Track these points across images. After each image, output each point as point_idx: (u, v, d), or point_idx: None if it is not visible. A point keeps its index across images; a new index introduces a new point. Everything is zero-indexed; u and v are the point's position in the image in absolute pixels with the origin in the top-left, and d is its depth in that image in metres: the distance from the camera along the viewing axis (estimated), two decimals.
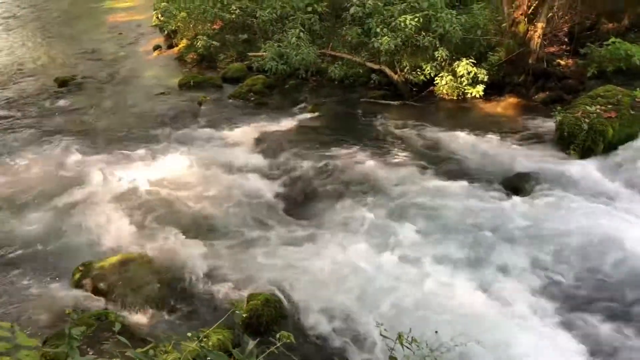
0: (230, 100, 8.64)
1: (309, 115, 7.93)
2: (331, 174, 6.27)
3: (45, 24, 14.57)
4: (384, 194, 5.69)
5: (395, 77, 8.34)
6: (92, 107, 8.61)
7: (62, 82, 9.55)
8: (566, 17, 8.89)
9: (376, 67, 8.57)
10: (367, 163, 6.40)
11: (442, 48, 8.01)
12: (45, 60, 11.28)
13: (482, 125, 7.13)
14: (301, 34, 8.82)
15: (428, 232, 5.01)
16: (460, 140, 6.80)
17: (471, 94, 7.89)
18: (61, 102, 8.80)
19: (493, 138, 6.75)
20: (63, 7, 16.60)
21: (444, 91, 8.10)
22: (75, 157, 6.84)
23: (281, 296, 4.23)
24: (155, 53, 11.27)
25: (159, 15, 11.80)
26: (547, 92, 7.67)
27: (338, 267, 4.54)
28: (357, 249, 4.78)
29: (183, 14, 10.59)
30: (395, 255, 4.67)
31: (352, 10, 8.64)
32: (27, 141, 7.41)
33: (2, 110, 8.52)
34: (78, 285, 4.53)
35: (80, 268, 4.65)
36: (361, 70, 8.75)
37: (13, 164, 6.78)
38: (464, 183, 5.77)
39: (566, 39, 8.77)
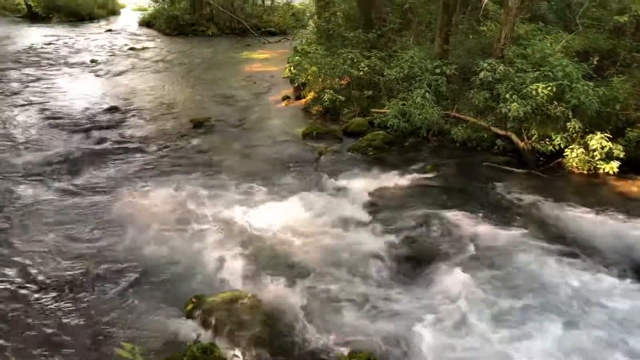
0: (350, 153, 8.78)
1: (427, 174, 7.85)
2: (443, 237, 6.13)
3: (189, 68, 15.86)
4: (497, 266, 5.46)
5: (522, 144, 8.07)
6: (221, 148, 9.13)
7: (197, 123, 10.27)
8: None
9: (502, 132, 8.37)
10: (483, 230, 6.20)
11: (574, 119, 7.68)
12: (184, 101, 12.21)
13: (614, 205, 6.67)
14: (427, 94, 8.87)
15: (535, 307, 4.77)
16: (588, 219, 6.40)
17: (604, 169, 7.43)
18: (194, 141, 9.43)
19: (626, 220, 6.26)
20: (206, 55, 18.01)
21: (574, 164, 7.70)
22: (199, 193, 7.22)
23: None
24: (284, 103, 11.82)
25: (292, 68, 12.42)
26: None
27: (438, 333, 4.40)
28: (460, 317, 4.61)
29: (314, 68, 11.06)
30: (499, 331, 4.44)
31: (481, 74, 8.59)
32: (158, 174, 7.97)
33: (141, 144, 9.27)
34: (189, 316, 4.72)
35: (193, 300, 4.86)
36: (485, 135, 8.58)
37: (143, 193, 7.30)
38: (586, 264, 5.41)
39: None
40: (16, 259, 5.71)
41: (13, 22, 24.44)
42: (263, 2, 24.02)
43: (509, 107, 7.98)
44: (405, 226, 6.38)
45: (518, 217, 6.55)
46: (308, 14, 21.57)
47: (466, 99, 9.17)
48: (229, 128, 10.24)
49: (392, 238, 6.12)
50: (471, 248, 5.84)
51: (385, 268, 5.59)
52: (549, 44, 8.87)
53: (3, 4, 26.33)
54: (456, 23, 10.68)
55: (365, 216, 6.64)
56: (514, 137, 8.23)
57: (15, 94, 12.46)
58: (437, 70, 9.31)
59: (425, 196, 7.18)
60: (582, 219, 6.42)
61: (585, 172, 7.65)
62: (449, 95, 9.46)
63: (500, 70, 8.50)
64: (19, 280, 5.35)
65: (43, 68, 15.39)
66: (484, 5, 8.56)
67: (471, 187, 7.49)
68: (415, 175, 7.82)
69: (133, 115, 10.92)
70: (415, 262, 5.71)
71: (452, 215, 6.56)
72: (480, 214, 6.57)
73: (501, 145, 8.36)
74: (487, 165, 8.08)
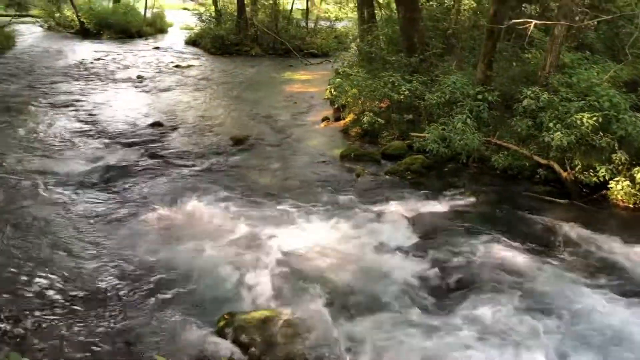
0: (387, 176, 8.74)
1: (465, 201, 7.74)
2: (481, 266, 5.98)
3: (231, 87, 16.16)
4: (536, 299, 5.32)
5: (564, 174, 7.89)
6: (259, 166, 9.22)
7: (237, 141, 10.41)
8: None
9: (544, 161, 8.21)
10: (522, 261, 6.04)
11: (621, 151, 7.47)
12: (225, 118, 12.42)
13: None
14: (468, 120, 8.79)
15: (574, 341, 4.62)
16: (633, 253, 6.16)
17: None
18: (233, 159, 9.55)
19: None
20: (249, 74, 18.34)
21: (619, 197, 7.47)
22: (236, 210, 7.29)
23: None
24: (323, 124, 11.88)
25: (332, 90, 12.51)
26: None
27: None
28: (494, 351, 4.50)
29: (354, 90, 11.11)
30: None
31: (524, 102, 8.48)
32: (197, 189, 8.07)
33: (181, 159, 9.43)
34: (221, 333, 4.72)
35: (226, 316, 4.86)
36: (527, 163, 8.42)
37: (180, 208, 7.39)
38: (627, 300, 5.21)
39: None
40: (52, 267, 5.83)
41: (66, 38, 25.44)
42: (307, 24, 24.38)
43: (552, 136, 7.83)
44: (442, 253, 6.27)
45: (559, 249, 6.38)
46: (350, 37, 21.78)
47: (508, 127, 9.04)
48: (268, 146, 10.35)
49: (427, 264, 6.02)
50: (509, 279, 5.69)
51: (419, 294, 5.49)
52: (595, 73, 8.69)
53: (58, 20, 27.44)
54: (500, 50, 10.58)
55: (401, 240, 6.58)
56: (557, 167, 8.05)
57: (64, 106, 12.90)
58: (479, 97, 9.22)
59: (464, 223, 7.07)
60: (626, 253, 6.21)
61: (630, 205, 7.41)
62: (491, 121, 9.35)
63: (544, 98, 8.36)
64: (53, 288, 5.45)
65: (91, 82, 15.92)
66: (529, 33, 8.45)
67: (511, 216, 7.34)
68: (454, 202, 7.72)
69: (175, 131, 11.15)
70: (450, 290, 5.60)
71: (491, 244, 6.43)
72: (520, 244, 6.42)
73: (543, 175, 8.19)
74: (528, 194, 7.93)
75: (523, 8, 12.48)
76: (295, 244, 6.35)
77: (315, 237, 6.55)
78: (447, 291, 5.58)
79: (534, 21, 7.45)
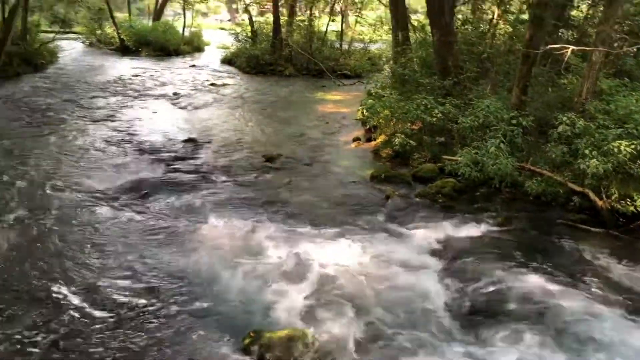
0: (417, 199, 8.68)
1: (496, 227, 7.62)
2: (510, 293, 5.86)
3: (264, 106, 16.35)
4: (567, 331, 5.19)
5: (600, 203, 7.71)
6: (290, 184, 9.27)
7: (269, 158, 10.50)
8: None
9: (579, 189, 8.04)
10: (554, 290, 5.89)
11: None
12: (257, 136, 12.56)
13: None
14: (501, 144, 8.69)
15: None
16: None
17: None
18: (265, 176, 9.63)
19: None
20: (282, 94, 18.54)
21: None
22: (265, 228, 7.33)
23: None
24: (354, 144, 11.91)
25: (364, 111, 12.54)
26: None
27: None
28: None
29: (386, 111, 11.11)
30: None
31: (560, 128, 8.35)
32: (228, 206, 8.17)
33: (214, 175, 9.55)
34: (247, 351, 4.73)
35: (252, 334, 4.87)
36: (561, 190, 8.26)
37: (211, 224, 7.48)
38: None
39: None
40: (82, 278, 5.95)
41: (106, 54, 26.18)
42: (341, 45, 24.58)
43: (588, 163, 7.68)
44: (472, 278, 6.18)
45: (592, 280, 6.20)
46: (384, 59, 21.88)
47: (542, 152, 8.90)
48: (299, 165, 10.40)
49: (457, 289, 5.95)
50: (539, 308, 5.56)
51: (447, 319, 5.42)
52: (634, 101, 8.52)
53: (99, 37, 28.28)
54: (535, 74, 10.47)
55: (430, 264, 6.51)
56: (592, 195, 7.88)
57: (101, 121, 13.23)
58: (514, 121, 9.11)
59: (495, 249, 6.95)
60: None
61: None
62: (524, 147, 9.22)
63: (580, 125, 8.23)
64: (87, 299, 5.54)
65: (129, 98, 16.31)
66: (566, 58, 8.34)
67: (544, 243, 7.19)
68: (485, 227, 7.61)
69: (209, 147, 11.31)
70: (479, 317, 5.49)
71: (522, 271, 6.31)
72: (553, 273, 6.28)
73: (577, 203, 8.01)
74: (561, 222, 7.76)
75: (560, 33, 12.36)
76: (323, 263, 6.34)
77: (343, 257, 6.53)
78: (476, 318, 5.47)
79: (572, 47, 7.39)
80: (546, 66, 11.30)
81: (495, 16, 14.04)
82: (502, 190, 8.75)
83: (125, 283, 5.88)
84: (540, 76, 10.88)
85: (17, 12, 16.81)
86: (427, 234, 7.33)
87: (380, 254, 6.67)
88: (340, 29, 24.82)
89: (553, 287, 5.97)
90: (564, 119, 8.45)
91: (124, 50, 26.84)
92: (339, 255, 6.59)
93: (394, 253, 6.72)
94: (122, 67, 22.18)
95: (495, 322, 5.35)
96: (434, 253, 6.83)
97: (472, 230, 7.50)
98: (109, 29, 28.35)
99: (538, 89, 10.61)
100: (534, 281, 6.09)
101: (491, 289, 5.98)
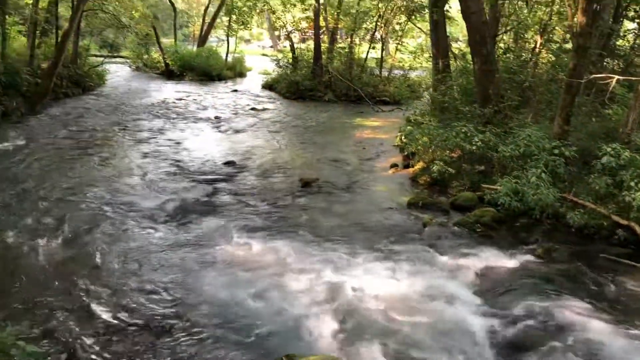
0: (455, 228, 8.55)
1: (537, 259, 7.44)
2: (550, 327, 5.69)
3: (303, 131, 16.52)
4: None
5: None
6: (326, 209, 9.29)
7: (306, 183, 10.56)
8: None
9: (624, 222, 7.80)
10: (596, 327, 5.68)
11: None
12: (295, 160, 12.66)
13: None
14: (543, 174, 8.53)
15: None
16: None
17: None
18: (301, 200, 9.68)
19: None
20: (320, 119, 18.70)
21: None
22: (301, 252, 7.35)
23: None
24: (391, 170, 11.87)
25: (402, 137, 12.53)
26: None
27: None
28: None
29: (425, 138, 11.07)
30: None
31: (604, 159, 8.15)
32: (264, 229, 8.24)
33: (251, 198, 9.66)
34: None
35: (284, 358, 4.85)
36: (605, 223, 8.02)
37: (247, 246, 7.56)
38: None
39: None
40: (120, 296, 6.06)
41: (151, 78, 26.99)
42: (380, 72, 24.71)
43: (633, 195, 7.46)
44: (509, 310, 6.02)
45: (636, 316, 5.97)
46: (423, 86, 21.88)
47: (585, 183, 8.69)
48: (335, 190, 10.42)
49: (493, 320, 5.80)
50: (579, 345, 5.36)
51: (485, 351, 5.29)
52: None
53: (145, 61, 29.21)
54: (579, 104, 10.29)
55: (467, 294, 6.38)
56: (638, 229, 7.63)
57: (143, 142, 13.60)
58: (556, 151, 8.95)
59: (534, 281, 6.77)
60: None
61: None
62: (567, 177, 9.02)
63: (626, 156, 8.02)
64: (117, 317, 5.64)
65: (172, 120, 16.73)
66: (611, 88, 8.20)
67: (585, 277, 6.96)
68: (525, 258, 7.43)
69: (247, 170, 11.47)
70: (516, 349, 5.34)
71: (562, 305, 6.11)
72: (594, 309, 6.06)
73: (622, 236, 7.76)
74: (605, 256, 7.52)
75: (605, 63, 12.16)
76: (359, 290, 6.31)
77: (378, 285, 6.47)
78: (514, 350, 5.32)
79: (617, 76, 7.26)
80: (590, 96, 11.10)
81: (538, 45, 13.92)
82: (543, 221, 8.56)
83: (158, 303, 5.96)
84: (583, 106, 10.68)
85: (69, 36, 17.54)
86: (465, 263, 7.21)
87: (416, 283, 6.58)
88: (380, 56, 24.97)
89: (594, 322, 5.76)
90: (609, 149, 8.24)
91: (169, 74, 27.63)
92: (374, 282, 6.53)
93: (430, 282, 6.62)
94: (167, 91, 22.81)
95: (533, 356, 5.19)
96: (472, 283, 6.70)
97: (512, 261, 7.34)
98: (155, 54, 29.27)
99: (581, 118, 10.41)
100: (574, 315, 5.89)
101: (530, 322, 5.81)
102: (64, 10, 21.37)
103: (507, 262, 7.30)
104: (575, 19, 9.54)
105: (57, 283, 6.26)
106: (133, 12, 23.44)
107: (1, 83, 14.68)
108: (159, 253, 7.21)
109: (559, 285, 6.67)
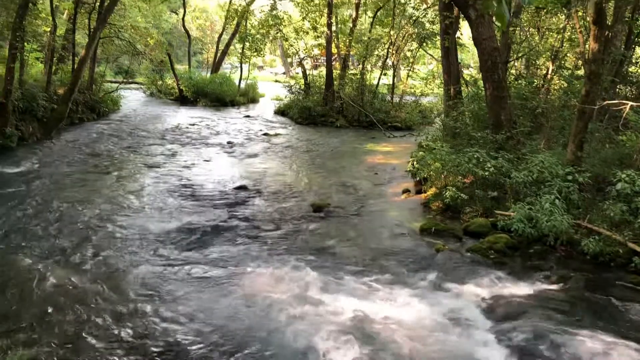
0: (468, 254, 8.47)
1: (552, 286, 7.33)
2: (564, 358, 5.58)
3: (315, 156, 16.57)
4: None
5: None
6: (338, 235, 9.25)
7: (317, 208, 10.55)
8: None
9: None
10: (610, 356, 5.58)
11: None
12: (307, 185, 12.67)
13: None
14: (556, 200, 8.46)
15: None
16: None
17: None
18: (313, 226, 9.66)
19: None
20: (332, 144, 18.77)
21: None
22: (312, 278, 7.29)
23: None
24: (403, 196, 11.84)
25: (414, 163, 12.52)
26: None
27: None
28: None
29: (437, 164, 11.05)
30: None
31: (618, 185, 8.08)
32: (276, 254, 8.22)
33: (263, 223, 9.66)
34: None
35: None
36: (621, 250, 7.92)
37: (259, 272, 7.52)
38: None
39: None
40: (133, 322, 6.05)
41: (165, 104, 27.33)
42: (392, 98, 24.85)
43: None
44: (524, 339, 5.91)
45: None
46: (435, 112, 21.96)
47: (599, 210, 8.61)
48: (347, 215, 10.39)
49: (508, 351, 5.70)
50: None
51: None
52: None
53: (159, 87, 29.63)
54: (592, 130, 10.26)
55: (480, 322, 6.29)
56: None
57: (157, 166, 13.71)
58: (569, 177, 8.89)
59: (549, 309, 6.65)
60: None
61: None
62: (581, 204, 8.95)
63: None
64: (132, 344, 5.63)
65: (185, 145, 16.88)
66: (624, 115, 8.17)
67: (601, 306, 6.84)
68: (539, 285, 7.33)
69: (259, 195, 11.50)
70: None
71: (577, 334, 6.00)
72: (610, 338, 5.93)
73: (639, 264, 7.65)
74: (621, 284, 7.40)
75: (617, 89, 12.15)
76: (370, 317, 6.24)
77: (390, 312, 6.41)
78: None
79: (630, 103, 7.24)
80: (603, 122, 11.07)
81: (550, 71, 13.96)
82: (557, 248, 8.46)
83: (175, 327, 5.95)
84: (596, 132, 10.65)
85: (85, 63, 17.86)
86: (478, 290, 7.12)
87: (429, 310, 6.51)
88: (391, 82, 25.14)
89: (612, 352, 5.65)
90: (623, 176, 8.18)
91: (183, 100, 27.98)
92: (388, 309, 6.47)
93: (444, 309, 6.55)
94: (180, 116, 23.06)
95: None
96: (485, 311, 6.61)
97: (525, 288, 7.24)
98: (169, 80, 29.69)
99: (594, 145, 10.37)
100: (590, 344, 5.78)
101: (545, 351, 5.70)
102: (81, 38, 21.82)
103: (521, 289, 7.20)
104: (587, 46, 9.57)
105: (68, 307, 6.26)
106: (148, 39, 23.86)
107: (18, 108, 14.92)
108: (173, 280, 7.19)
109: (575, 314, 6.56)
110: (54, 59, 18.35)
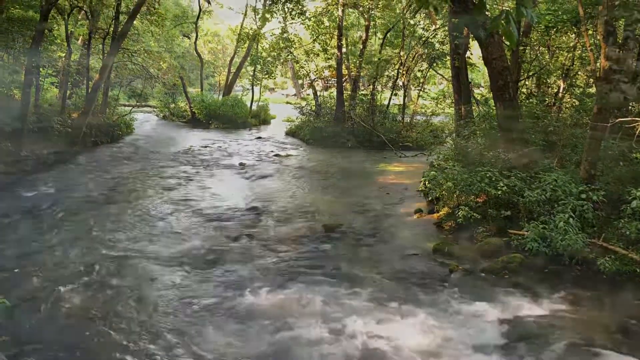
0: (482, 274, 8.38)
1: (567, 306, 7.21)
2: None
3: (326, 176, 16.58)
4: None
5: None
6: (350, 256, 9.21)
7: (329, 228, 10.53)
8: None
9: None
10: None
11: None
12: (319, 206, 12.65)
13: None
14: (570, 219, 8.37)
15: None
16: None
17: None
18: (325, 246, 9.63)
19: None
20: (343, 164, 18.79)
21: None
22: (324, 300, 7.26)
23: None
24: (416, 216, 11.78)
25: (426, 182, 12.49)
26: None
27: None
28: None
29: (449, 183, 10.99)
30: None
31: (633, 203, 7.99)
32: (287, 276, 8.18)
33: (275, 244, 9.65)
34: None
35: None
36: (638, 270, 7.79)
37: (270, 294, 7.50)
38: None
39: None
40: (146, 344, 6.05)
41: (178, 126, 27.61)
42: (403, 118, 24.89)
43: None
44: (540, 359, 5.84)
45: None
46: (446, 132, 21.93)
47: (615, 229, 8.50)
48: (359, 236, 10.35)
49: None
50: None
51: None
52: None
53: (172, 110, 29.96)
54: (605, 148, 10.17)
55: (495, 343, 6.21)
56: None
57: (169, 189, 13.79)
58: (583, 195, 8.81)
59: (565, 330, 6.55)
60: None
61: None
62: (595, 222, 8.84)
63: None
64: None
65: (197, 167, 16.98)
66: (638, 132, 8.10)
67: (619, 326, 6.70)
68: (555, 305, 7.22)
69: (271, 216, 11.50)
70: None
71: (596, 355, 5.90)
72: (628, 357, 5.84)
73: None
74: (638, 304, 7.27)
75: (630, 106, 12.06)
76: (383, 338, 6.19)
77: (404, 334, 6.34)
78: None
79: None
80: (616, 140, 10.97)
81: (561, 90, 13.93)
82: (572, 268, 8.35)
83: (187, 350, 5.91)
84: (610, 150, 10.56)
85: (99, 87, 18.13)
86: (493, 311, 7.03)
87: (443, 330, 6.44)
88: (402, 103, 25.22)
89: None
90: (638, 194, 8.08)
91: (195, 122, 28.27)
92: (402, 331, 6.41)
93: (458, 329, 6.47)
94: (192, 139, 23.26)
95: None
96: (500, 331, 6.52)
97: (541, 308, 7.13)
98: (182, 103, 30.02)
99: (608, 162, 10.27)
100: None
101: None
102: (95, 62, 22.18)
103: (537, 310, 7.09)
104: (598, 64, 9.55)
105: (82, 330, 6.26)
106: (161, 63, 24.21)
107: (34, 132, 15.14)
108: (182, 300, 7.19)
109: (591, 334, 6.45)
110: (69, 83, 18.65)
